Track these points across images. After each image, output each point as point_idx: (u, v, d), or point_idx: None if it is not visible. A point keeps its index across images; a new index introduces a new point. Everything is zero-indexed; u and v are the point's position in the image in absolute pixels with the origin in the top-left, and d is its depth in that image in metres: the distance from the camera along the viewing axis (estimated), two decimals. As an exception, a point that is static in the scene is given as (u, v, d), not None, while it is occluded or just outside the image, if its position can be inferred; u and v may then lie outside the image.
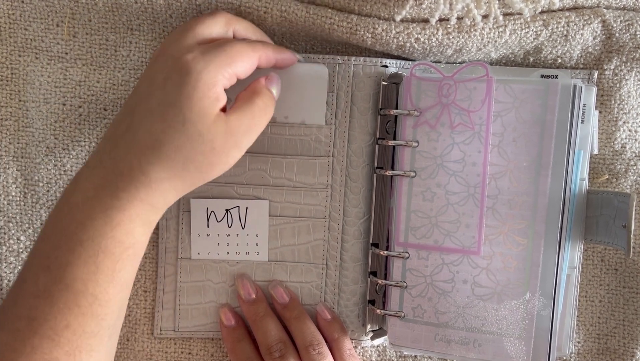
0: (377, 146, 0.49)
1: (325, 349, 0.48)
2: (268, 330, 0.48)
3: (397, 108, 0.48)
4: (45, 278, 0.39)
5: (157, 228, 0.50)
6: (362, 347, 0.52)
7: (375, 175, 0.49)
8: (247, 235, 0.50)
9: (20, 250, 0.50)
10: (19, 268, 0.50)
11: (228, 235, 0.50)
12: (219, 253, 0.50)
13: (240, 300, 0.50)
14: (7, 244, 0.50)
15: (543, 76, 0.49)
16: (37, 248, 0.40)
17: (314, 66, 0.48)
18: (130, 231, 0.40)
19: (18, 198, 0.49)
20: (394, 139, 0.48)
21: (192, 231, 0.50)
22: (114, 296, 0.40)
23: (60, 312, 0.38)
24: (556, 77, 0.49)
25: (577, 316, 0.50)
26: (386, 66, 0.49)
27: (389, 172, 0.48)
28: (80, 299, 0.38)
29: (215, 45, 0.40)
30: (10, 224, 0.49)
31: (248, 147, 0.42)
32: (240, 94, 0.43)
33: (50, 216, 0.41)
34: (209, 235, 0.50)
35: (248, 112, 0.41)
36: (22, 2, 0.48)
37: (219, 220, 0.50)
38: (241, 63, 0.41)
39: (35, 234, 0.50)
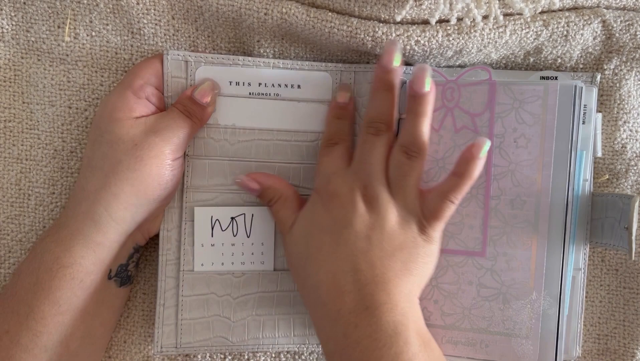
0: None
1: (419, 163, 0.44)
2: (382, 104, 0.45)
3: (399, 112, 0.48)
4: (9, 283, 0.44)
5: (156, 238, 0.49)
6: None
7: (379, 178, 0.49)
8: (252, 244, 0.49)
9: (23, 251, 0.50)
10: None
11: (233, 245, 0.49)
12: (223, 263, 0.49)
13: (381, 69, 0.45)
14: (8, 246, 0.50)
15: (543, 78, 0.49)
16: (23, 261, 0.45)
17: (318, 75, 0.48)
18: (69, 248, 0.43)
19: (20, 200, 0.49)
20: (397, 142, 0.48)
21: (195, 242, 0.48)
22: (49, 316, 0.42)
23: (4, 317, 0.42)
24: (556, 78, 0.49)
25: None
26: None
27: (393, 176, 0.48)
28: (20, 308, 0.42)
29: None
30: (12, 225, 0.49)
31: (176, 143, 0.45)
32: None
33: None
34: (212, 245, 0.48)
35: (165, 115, 0.45)
36: (24, 3, 0.47)
37: (223, 229, 0.48)
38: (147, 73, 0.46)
39: (36, 236, 0.50)
